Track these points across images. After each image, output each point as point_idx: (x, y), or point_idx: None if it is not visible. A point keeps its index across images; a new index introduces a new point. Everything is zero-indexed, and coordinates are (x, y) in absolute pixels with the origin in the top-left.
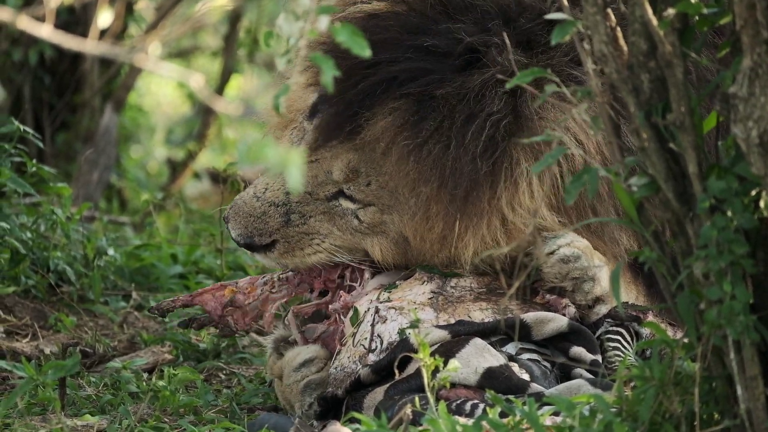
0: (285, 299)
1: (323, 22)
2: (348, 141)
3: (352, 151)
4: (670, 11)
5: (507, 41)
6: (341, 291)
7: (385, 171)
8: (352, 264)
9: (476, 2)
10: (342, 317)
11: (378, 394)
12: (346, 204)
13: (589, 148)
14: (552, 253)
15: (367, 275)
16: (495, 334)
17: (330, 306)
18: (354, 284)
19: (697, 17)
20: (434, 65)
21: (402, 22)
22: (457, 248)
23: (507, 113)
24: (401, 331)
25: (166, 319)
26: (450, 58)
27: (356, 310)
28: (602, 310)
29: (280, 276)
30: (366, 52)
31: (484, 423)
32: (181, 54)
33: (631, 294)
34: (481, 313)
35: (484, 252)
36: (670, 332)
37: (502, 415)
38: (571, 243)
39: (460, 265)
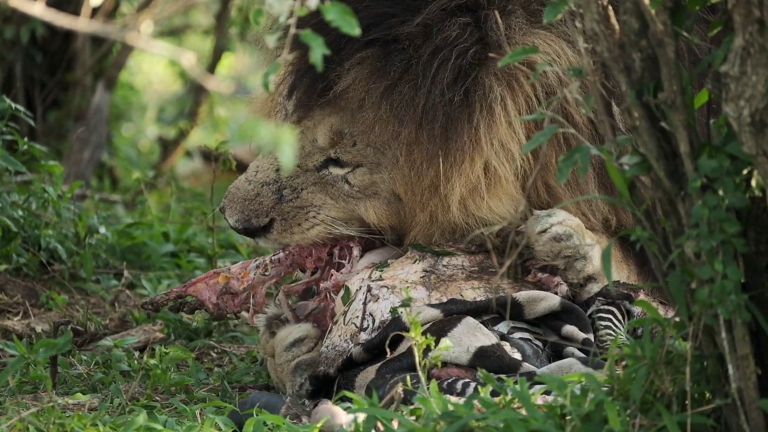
0: (275, 280)
1: (313, 1)
2: (326, 104)
3: (333, 115)
4: None
5: None
6: (331, 269)
7: (365, 125)
8: (341, 242)
9: None
10: (333, 295)
11: (370, 372)
12: (335, 171)
13: (561, 68)
14: (544, 231)
15: (355, 252)
16: (487, 313)
17: (321, 284)
18: (342, 261)
19: None
20: (394, 8)
21: None
22: (445, 195)
23: (473, 42)
24: (393, 310)
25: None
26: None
27: (347, 289)
28: (594, 288)
29: (272, 258)
30: (356, 31)
31: (475, 402)
32: (173, 32)
33: (622, 272)
34: (473, 292)
35: (471, 203)
36: (661, 311)
37: (494, 394)
38: (563, 221)
39: (450, 215)
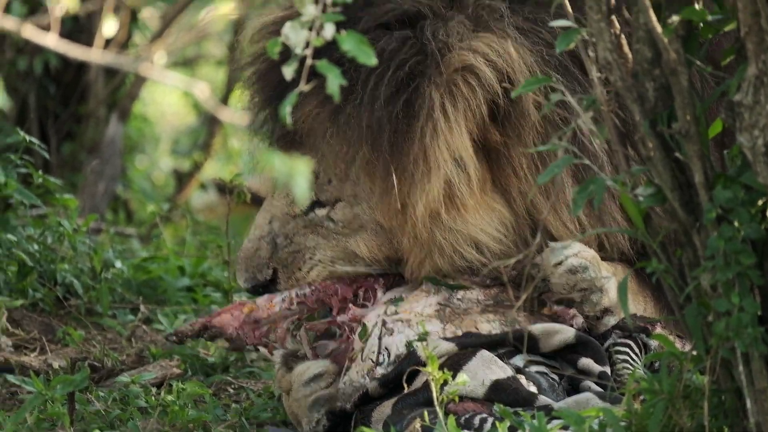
0: (298, 317)
1: (329, 31)
2: (296, 145)
3: (304, 156)
4: (675, 18)
5: None
6: (351, 305)
7: (329, 157)
8: (365, 283)
9: None
10: (351, 332)
11: (386, 407)
12: (320, 211)
13: (504, 69)
14: (560, 263)
15: (379, 294)
16: (502, 346)
17: (338, 318)
18: (367, 303)
19: (701, 24)
20: None
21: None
22: (412, 213)
23: (412, 54)
24: (409, 344)
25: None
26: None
27: (365, 325)
28: (610, 321)
29: (298, 292)
30: (372, 61)
31: None
32: (186, 63)
33: (639, 305)
34: (488, 325)
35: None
36: (678, 344)
37: (511, 429)
38: (578, 253)
39: (427, 234)
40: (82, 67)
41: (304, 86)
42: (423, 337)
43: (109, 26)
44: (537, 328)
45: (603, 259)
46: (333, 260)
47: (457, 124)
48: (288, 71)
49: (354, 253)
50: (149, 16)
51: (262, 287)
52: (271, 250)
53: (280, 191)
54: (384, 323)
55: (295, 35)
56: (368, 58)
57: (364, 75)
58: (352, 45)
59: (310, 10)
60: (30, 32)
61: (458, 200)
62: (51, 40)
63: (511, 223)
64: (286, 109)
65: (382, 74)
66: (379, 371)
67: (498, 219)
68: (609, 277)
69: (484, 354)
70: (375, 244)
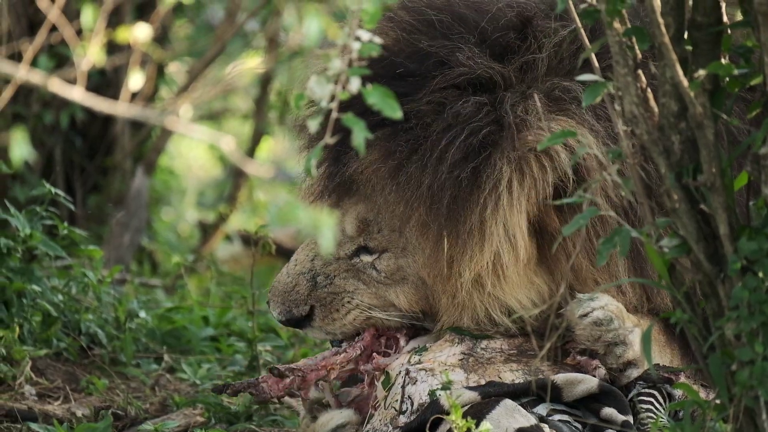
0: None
1: (354, 84)
2: (352, 192)
3: (359, 203)
4: (701, 72)
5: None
6: (375, 354)
7: (384, 210)
8: (387, 333)
9: (442, 17)
10: (375, 380)
11: None
12: (365, 258)
13: (579, 155)
14: (585, 315)
15: (402, 342)
16: (525, 395)
17: (362, 367)
18: (389, 351)
19: (727, 78)
20: (405, 87)
21: (381, 65)
22: (457, 278)
23: (488, 122)
24: (432, 393)
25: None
26: (420, 78)
27: (388, 374)
28: (633, 373)
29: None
30: (398, 114)
31: None
32: (212, 116)
33: (665, 357)
34: (511, 374)
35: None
36: (702, 394)
37: None
38: (605, 306)
39: (466, 298)
40: (108, 120)
41: (329, 139)
42: (447, 386)
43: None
44: (560, 377)
45: (631, 311)
46: (370, 307)
47: (518, 202)
48: (313, 125)
49: (391, 303)
50: (176, 70)
51: (296, 321)
52: (311, 288)
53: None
54: (407, 372)
55: (320, 89)
56: (394, 111)
57: (434, 135)
58: (377, 98)
59: (336, 64)
60: (57, 86)
61: (502, 271)
62: (77, 94)
63: (548, 295)
64: (311, 162)
65: (453, 137)
66: (402, 419)
67: (536, 291)
68: (633, 330)
69: (508, 403)
70: (414, 298)
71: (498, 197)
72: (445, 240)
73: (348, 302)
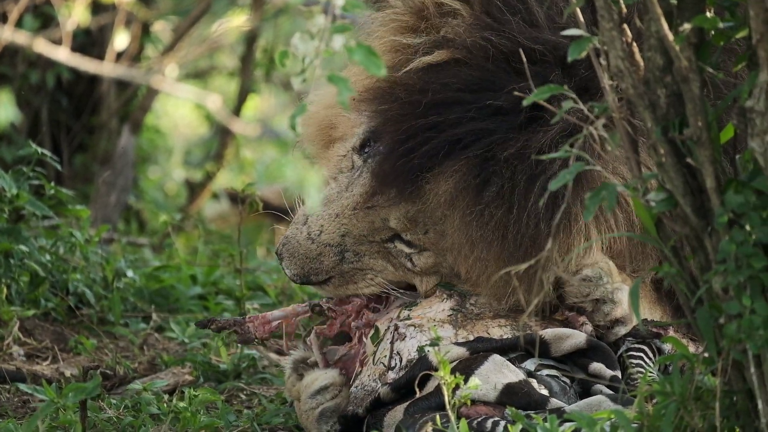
0: (309, 314)
1: (338, 42)
2: (408, 193)
3: (410, 203)
4: (686, 26)
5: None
6: (365, 310)
7: (444, 229)
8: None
9: (534, 46)
10: (364, 337)
11: (398, 412)
12: (401, 246)
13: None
14: (574, 272)
15: (392, 298)
16: (513, 350)
17: (352, 324)
18: (378, 306)
19: (713, 32)
20: (497, 125)
21: (463, 79)
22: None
23: (572, 177)
24: (420, 349)
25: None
26: (512, 116)
27: (377, 329)
28: (621, 331)
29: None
30: (382, 72)
31: None
32: (198, 75)
33: (656, 314)
34: (500, 330)
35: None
36: (692, 348)
37: (524, 431)
38: (595, 264)
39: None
40: (94, 80)
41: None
42: (435, 342)
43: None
44: (548, 332)
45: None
46: (387, 284)
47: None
48: (296, 81)
49: (413, 286)
50: (161, 29)
51: (309, 283)
52: (336, 262)
53: (360, 211)
54: (396, 328)
55: (303, 46)
56: (378, 69)
57: (521, 184)
58: (361, 57)
59: (320, 21)
60: (42, 46)
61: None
62: (63, 54)
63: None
64: (296, 120)
65: (541, 192)
66: (391, 376)
67: None
68: (622, 288)
69: (496, 358)
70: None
71: (571, 240)
72: (515, 278)
73: (371, 279)
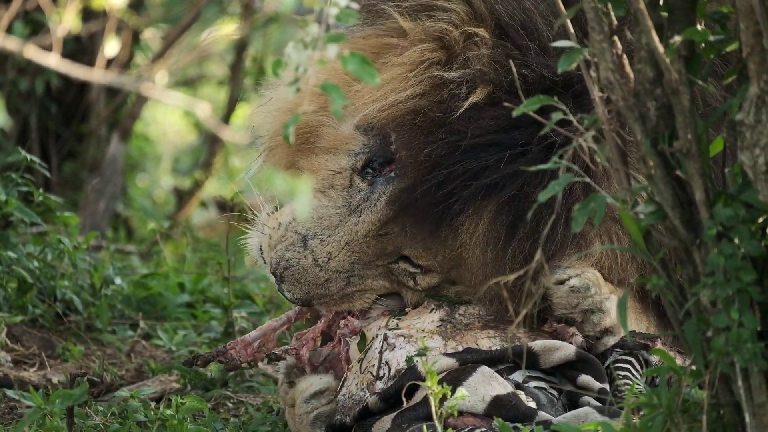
0: (286, 325)
1: (332, 51)
2: (438, 236)
3: (439, 242)
4: (677, 38)
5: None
6: (347, 315)
7: (460, 262)
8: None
9: (552, 77)
10: (347, 340)
11: (386, 422)
12: (404, 265)
13: None
14: (562, 282)
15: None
16: (502, 362)
17: (337, 331)
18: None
19: (703, 45)
20: (527, 163)
21: (499, 121)
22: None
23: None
24: (409, 359)
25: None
26: (538, 152)
27: (363, 335)
28: (610, 341)
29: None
30: (376, 81)
31: None
32: (188, 83)
33: (642, 324)
34: (488, 341)
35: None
36: (679, 360)
37: None
38: (581, 274)
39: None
40: (83, 87)
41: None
42: (423, 353)
43: (111, 47)
44: (537, 344)
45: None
46: (378, 298)
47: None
48: (290, 91)
49: (400, 296)
50: (151, 36)
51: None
52: (342, 287)
53: (373, 239)
54: (386, 337)
55: (297, 55)
56: (371, 77)
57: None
58: (355, 66)
59: (314, 30)
60: (32, 53)
61: None
62: (53, 61)
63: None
64: (290, 129)
65: (563, 230)
66: (379, 386)
67: None
68: (610, 298)
69: (485, 370)
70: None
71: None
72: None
73: (368, 298)
